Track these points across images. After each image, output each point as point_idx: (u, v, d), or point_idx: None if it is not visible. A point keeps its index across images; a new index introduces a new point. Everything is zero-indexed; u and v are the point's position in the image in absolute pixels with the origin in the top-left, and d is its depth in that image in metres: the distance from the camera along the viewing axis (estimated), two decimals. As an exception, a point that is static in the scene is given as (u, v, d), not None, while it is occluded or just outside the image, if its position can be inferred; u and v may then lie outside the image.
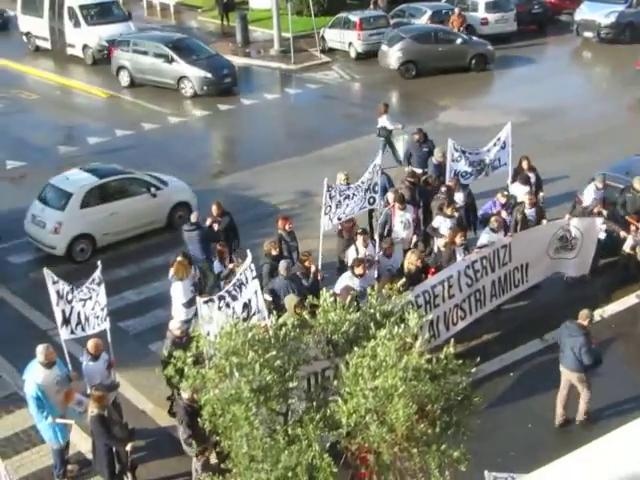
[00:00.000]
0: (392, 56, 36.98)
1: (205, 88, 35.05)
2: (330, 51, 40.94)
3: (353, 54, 39.98)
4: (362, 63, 39.14)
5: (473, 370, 10.96)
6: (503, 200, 19.21)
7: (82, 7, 41.34)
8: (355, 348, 10.71)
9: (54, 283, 14.57)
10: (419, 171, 22.16)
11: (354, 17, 40.30)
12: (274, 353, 10.56)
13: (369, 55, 39.22)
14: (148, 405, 16.14)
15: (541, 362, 16.74)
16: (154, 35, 40.42)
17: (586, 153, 25.56)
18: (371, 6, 44.41)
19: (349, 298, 11.50)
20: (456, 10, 40.91)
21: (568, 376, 14.93)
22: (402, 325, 10.91)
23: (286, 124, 32.98)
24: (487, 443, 13.30)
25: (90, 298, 14.66)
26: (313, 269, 16.89)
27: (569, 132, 28.36)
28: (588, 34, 41.13)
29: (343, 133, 30.00)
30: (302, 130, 31.07)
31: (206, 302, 13.63)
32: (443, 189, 19.81)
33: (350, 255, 17.62)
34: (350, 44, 40.00)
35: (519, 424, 14.97)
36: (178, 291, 16.60)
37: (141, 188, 22.85)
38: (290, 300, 15.24)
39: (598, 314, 18.01)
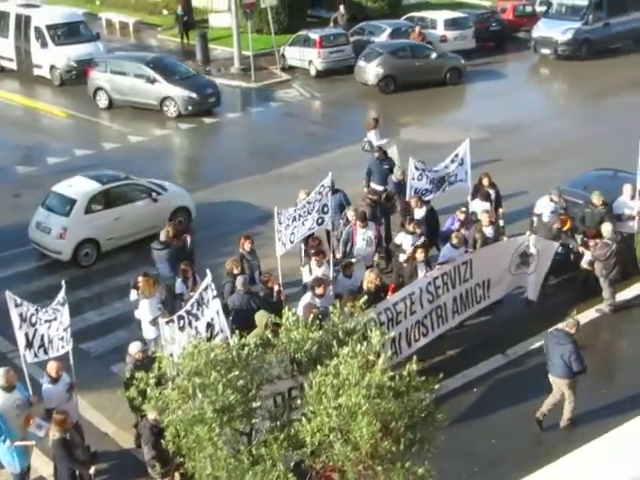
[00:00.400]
0: (370, 72, 37.22)
1: (190, 108, 34.49)
2: (290, 69, 41.00)
3: (313, 72, 40.09)
4: (322, 81, 39.26)
5: (436, 387, 10.98)
6: (462, 217, 19.35)
7: (49, 27, 40.39)
8: (318, 367, 10.71)
9: (17, 306, 14.43)
10: (380, 188, 22.24)
11: (314, 35, 40.44)
12: (237, 373, 10.54)
13: (329, 73, 39.38)
14: (110, 427, 16.02)
15: (504, 377, 16.85)
16: (132, 55, 39.77)
17: (545, 169, 25.77)
18: (331, 24, 44.55)
19: (311, 316, 11.51)
20: (417, 28, 41.21)
21: (558, 384, 15.13)
22: (365, 343, 10.92)
23: (247, 142, 32.97)
24: (451, 459, 13.33)
25: (55, 319, 14.58)
26: (276, 288, 16.88)
27: (528, 148, 28.58)
28: (545, 51, 41.60)
29: (304, 151, 30.05)
30: (263, 148, 31.08)
31: (167, 322, 13.59)
32: (403, 206, 19.95)
33: (304, 275, 17.65)
34: (310, 62, 40.11)
35: (483, 440, 15.02)
36: (144, 309, 16.52)
37: (142, 194, 23.33)
38: (261, 317, 15.22)
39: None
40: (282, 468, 9.92)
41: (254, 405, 10.67)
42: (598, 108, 33.44)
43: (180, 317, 13.71)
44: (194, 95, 34.59)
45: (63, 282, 14.72)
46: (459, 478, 13.90)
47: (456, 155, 21.11)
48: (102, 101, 36.36)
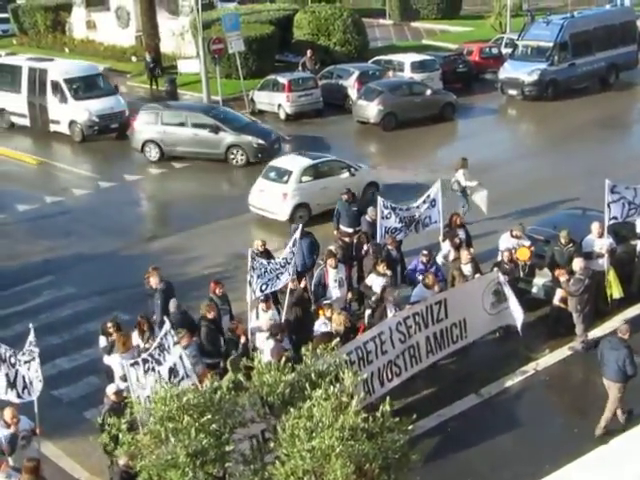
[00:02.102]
0: (372, 110, 37.65)
1: (259, 155, 33.32)
2: (260, 113, 41.12)
3: (282, 115, 40.27)
4: (291, 124, 39.40)
5: (410, 427, 10.99)
6: (424, 259, 19.46)
7: (67, 81, 38.65)
8: (291, 409, 10.70)
9: None
10: (349, 230, 22.30)
11: (283, 79, 40.66)
12: (210, 417, 10.53)
13: (298, 116, 39.56)
14: (84, 474, 15.85)
15: (478, 417, 16.81)
16: (187, 105, 39.15)
17: (514, 208, 25.92)
18: (299, 68, 44.83)
19: (283, 359, 11.49)
20: (390, 74, 41.88)
21: (611, 387, 15.88)
22: (337, 384, 10.92)
23: (218, 186, 32.99)
24: (426, 500, 13.29)
25: (33, 359, 14.52)
26: (243, 340, 16.76)
27: (497, 188, 28.61)
28: (512, 92, 42.01)
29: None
30: (233, 191, 31.11)
31: (132, 365, 13.53)
32: (372, 248, 20.02)
33: (252, 319, 17.61)
34: (279, 106, 40.30)
35: (458, 480, 14.98)
36: (116, 364, 16.27)
37: (343, 169, 27.81)
38: (232, 363, 15.19)
39: (532, 367, 18.23)
40: (256, 512, 9.86)
41: (227, 449, 10.62)
42: (565, 148, 33.72)
43: (144, 360, 13.65)
44: (262, 142, 33.83)
45: (31, 325, 14.68)
46: (435, 519, 13.86)
47: (428, 196, 21.27)
48: (152, 154, 34.87)
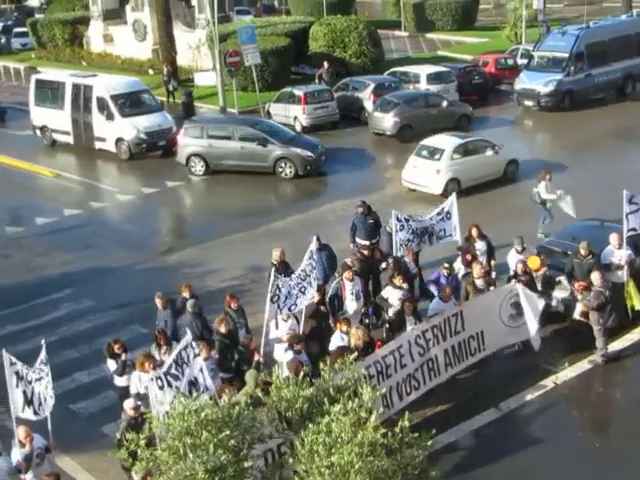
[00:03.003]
0: (388, 121, 37.73)
1: (308, 168, 33.50)
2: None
3: (299, 128, 40.24)
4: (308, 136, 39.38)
5: (429, 443, 10.92)
6: (445, 272, 19.40)
7: (114, 97, 37.94)
8: (310, 424, 10.65)
9: (12, 364, 14.41)
10: (366, 243, 22.23)
11: (299, 91, 40.69)
12: (228, 432, 10.49)
13: (314, 128, 39.56)
14: (102, 489, 15.85)
15: (497, 431, 16.70)
16: (233, 118, 38.77)
17: (533, 220, 25.80)
18: (316, 80, 44.89)
19: (301, 374, 11.44)
20: (410, 86, 42.03)
21: None
22: (356, 399, 10.88)
23: (235, 199, 33.03)
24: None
25: (42, 378, 14.53)
26: (256, 358, 16.66)
27: (515, 199, 28.69)
28: (529, 103, 41.94)
29: (291, 207, 30.16)
30: (251, 205, 31.11)
31: (151, 380, 13.50)
32: (390, 260, 19.97)
33: (271, 330, 17.58)
34: (295, 118, 40.31)
35: (477, 495, 14.89)
36: (134, 381, 16.26)
37: (488, 147, 31.00)
38: (251, 375, 15.15)
39: (552, 381, 18.13)
40: (275, 529, 9.82)
41: (246, 465, 10.58)
42: (582, 159, 33.59)
43: (158, 378, 13.60)
44: (310, 154, 33.76)
45: (43, 342, 14.73)
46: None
47: (442, 209, 21.24)
48: (198, 168, 34.65)
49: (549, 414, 17.08)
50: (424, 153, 30.76)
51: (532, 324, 18.36)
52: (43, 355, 14.55)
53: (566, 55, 41.84)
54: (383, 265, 20.35)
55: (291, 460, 10.84)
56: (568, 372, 18.48)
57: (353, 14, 64.63)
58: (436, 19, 66.40)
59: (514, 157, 31.82)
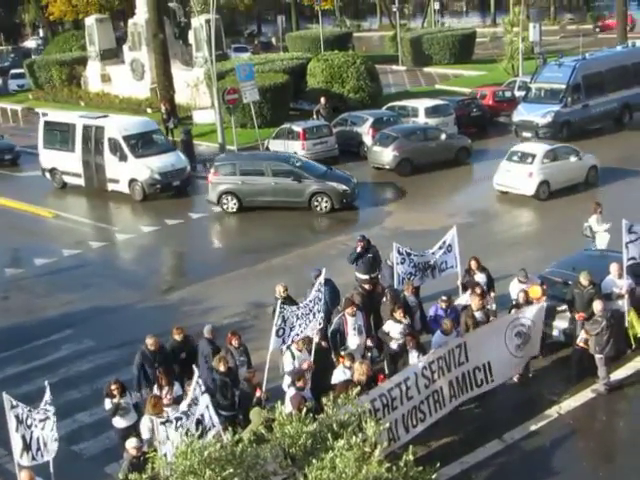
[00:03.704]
0: (387, 155, 37.85)
1: (344, 201, 33.52)
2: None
3: (298, 164, 40.37)
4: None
5: (433, 476, 10.88)
6: (443, 305, 19.36)
7: (126, 138, 37.46)
8: (314, 460, 10.61)
9: (13, 407, 14.35)
10: (365, 277, 22.18)
11: (297, 127, 40.85)
12: (232, 470, 10.45)
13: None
14: (106, 531, 15.76)
15: (502, 463, 16.63)
16: (263, 154, 38.51)
17: (532, 251, 25.89)
18: (314, 116, 45.07)
19: (304, 410, 11.41)
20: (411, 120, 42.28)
21: None
22: (360, 434, 10.84)
23: (234, 236, 33.09)
24: None
25: (48, 418, 14.47)
26: (258, 394, 16.55)
27: (514, 231, 28.76)
28: (527, 134, 42.05)
29: (292, 242, 30.14)
30: (251, 242, 31.16)
31: (163, 423, 13.45)
32: (389, 294, 19.97)
33: (286, 363, 17.53)
34: (295, 154, 40.41)
35: (484, 528, 14.80)
36: (144, 425, 16.16)
37: (572, 154, 33.49)
38: (255, 413, 15.11)
39: (555, 411, 18.07)
40: None
41: (250, 503, 10.54)
42: (581, 188, 33.68)
43: (178, 419, 13.56)
44: (346, 188, 33.72)
45: (46, 383, 14.73)
46: None
47: (444, 242, 21.26)
48: (230, 205, 34.20)
49: (553, 444, 17.00)
50: (515, 158, 33.46)
51: (537, 338, 18.71)
52: (48, 396, 14.54)
53: (563, 86, 42.09)
54: (384, 299, 20.32)
55: (295, 496, 10.80)
56: (572, 401, 18.43)
57: (350, 49, 65.18)
58: (433, 53, 66.86)
59: (595, 164, 34.16)
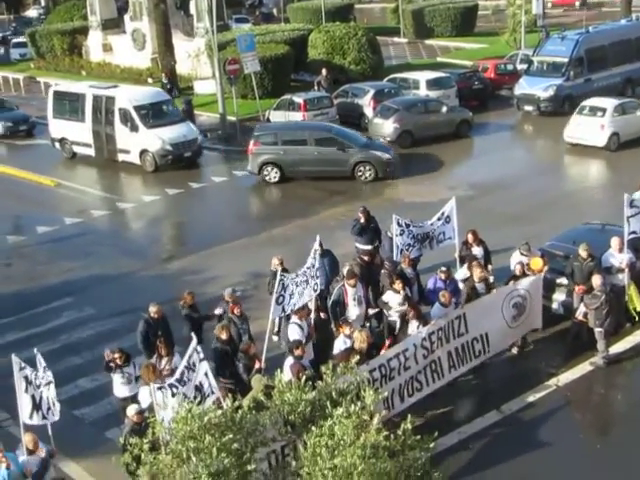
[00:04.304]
0: (388, 128, 37.79)
1: (387, 170, 33.45)
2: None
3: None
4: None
5: (432, 445, 10.96)
6: (443, 276, 19.37)
7: (137, 108, 37.19)
8: (312, 427, 10.68)
9: (21, 369, 14.45)
10: (367, 247, 22.27)
11: (298, 99, 40.74)
12: (231, 436, 10.52)
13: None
14: (106, 494, 15.86)
15: (499, 434, 16.73)
16: (304, 124, 37.56)
17: (532, 224, 25.87)
18: (315, 87, 44.93)
19: (303, 378, 11.48)
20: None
21: None
22: (358, 402, 10.92)
23: (235, 206, 33.09)
24: (449, 518, 13.23)
25: (51, 382, 14.56)
26: (257, 366, 16.61)
27: (514, 204, 28.74)
28: (528, 108, 42.02)
29: (292, 213, 30.17)
30: (251, 211, 31.21)
31: (159, 389, 13.54)
32: (388, 264, 20.03)
33: (291, 334, 17.61)
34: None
35: (480, 497, 14.92)
36: (144, 395, 16.22)
37: (639, 107, 36.09)
38: (256, 380, 15.19)
39: (553, 383, 18.17)
40: (279, 531, 9.85)
41: (249, 468, 10.62)
42: (583, 163, 33.71)
43: (171, 385, 13.64)
44: (390, 157, 33.75)
45: (35, 350, 14.85)
46: (458, 537, 13.80)
47: (442, 213, 21.30)
48: (272, 175, 33.88)
49: (551, 416, 17.10)
50: (586, 112, 35.57)
51: (538, 304, 18.85)
52: (42, 361, 14.59)
53: (566, 60, 41.93)
54: (383, 270, 20.37)
55: (294, 463, 10.88)
56: (570, 374, 18.53)
57: (352, 21, 64.82)
58: (435, 25, 66.53)
59: None
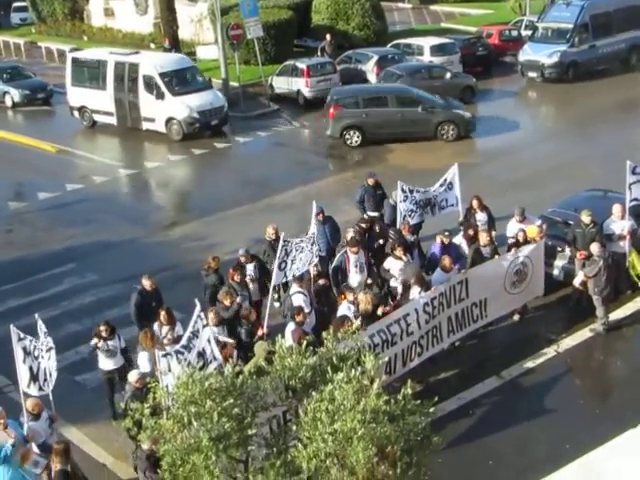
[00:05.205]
0: None
1: (469, 128, 33.68)
2: (278, 98, 41.15)
3: (301, 101, 40.26)
4: (311, 109, 39.36)
5: (432, 410, 11.00)
6: (446, 241, 19.35)
7: (163, 75, 36.34)
8: (313, 393, 10.72)
9: (20, 340, 14.48)
10: (375, 214, 22.28)
11: (301, 64, 40.62)
12: (232, 401, 10.56)
13: (317, 101, 39.48)
14: (108, 458, 15.93)
15: (499, 399, 16.82)
16: (386, 86, 36.91)
17: (535, 191, 25.83)
18: (318, 53, 44.79)
19: (304, 343, 11.51)
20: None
21: None
22: (359, 368, 10.95)
23: (237, 172, 33.04)
24: (449, 482, 13.32)
25: (52, 348, 14.61)
26: (260, 332, 16.71)
27: (518, 171, 28.69)
28: (533, 74, 41.85)
29: (294, 180, 30.13)
30: (253, 178, 31.15)
31: (164, 356, 13.58)
32: (392, 231, 20.03)
33: (296, 303, 17.63)
34: (298, 91, 40.29)
35: (480, 462, 14.96)
36: (143, 360, 16.27)
37: None
38: (259, 346, 15.24)
39: (553, 349, 18.23)
40: (279, 495, 9.92)
41: (250, 432, 10.67)
42: (586, 130, 33.59)
43: (177, 352, 13.68)
44: (471, 115, 33.96)
45: (37, 316, 14.87)
46: (457, 501, 13.90)
47: (444, 180, 21.27)
48: (354, 139, 33.58)
49: (550, 382, 17.17)
50: None
51: (540, 270, 18.87)
52: (43, 327, 14.62)
53: (570, 26, 41.70)
54: (381, 241, 20.31)
55: (295, 427, 10.93)
56: (569, 340, 18.60)
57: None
58: (440, -9, 66.16)
59: None
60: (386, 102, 34.00)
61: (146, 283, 18.13)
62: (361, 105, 34.04)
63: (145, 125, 37.04)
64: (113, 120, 37.96)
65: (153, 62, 37.32)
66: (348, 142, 33.65)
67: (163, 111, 36.25)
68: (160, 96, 36.17)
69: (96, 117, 38.58)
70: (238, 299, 17.39)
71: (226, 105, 37.46)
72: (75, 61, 39.65)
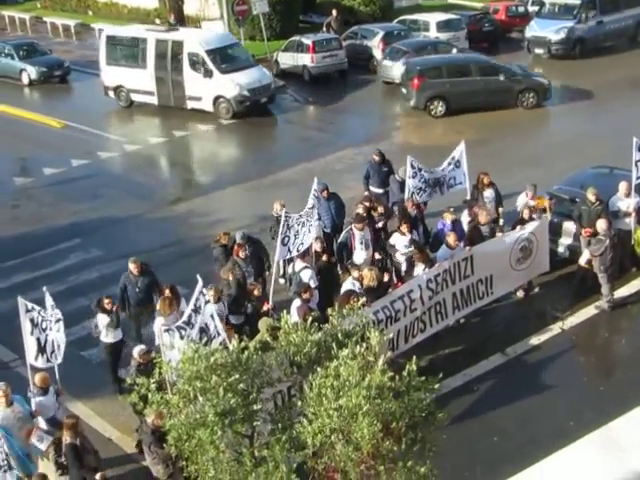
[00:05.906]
0: (397, 70, 37.20)
1: (547, 95, 34.10)
2: (284, 74, 41.04)
3: (307, 77, 40.16)
4: (316, 85, 39.28)
5: (436, 386, 11.02)
6: (450, 217, 19.31)
7: (209, 52, 35.33)
8: (318, 369, 10.74)
9: (28, 311, 14.49)
10: (380, 191, 22.26)
11: (307, 40, 40.48)
12: (237, 376, 10.57)
13: (323, 77, 39.42)
14: (114, 433, 16.02)
15: (504, 376, 16.86)
16: (465, 56, 37.32)
17: (541, 168, 25.78)
18: (324, 29, 44.61)
19: (310, 319, 11.51)
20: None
21: None
22: (364, 344, 10.96)
23: (243, 148, 33.03)
24: (453, 458, 13.35)
25: (60, 319, 14.62)
26: (265, 308, 16.76)
27: (524, 148, 28.64)
28: (539, 50, 41.69)
29: (299, 156, 30.10)
30: (259, 154, 31.12)
31: (167, 331, 13.62)
32: (396, 208, 20.01)
33: (304, 276, 17.64)
34: (304, 67, 40.18)
35: (485, 438, 15.02)
36: (157, 327, 16.27)
37: None
38: (263, 322, 15.28)
39: (558, 326, 18.25)
40: (285, 469, 9.95)
41: (255, 408, 10.70)
42: (593, 107, 33.51)
43: (179, 327, 13.72)
44: (549, 82, 34.13)
45: (44, 289, 14.88)
46: (461, 477, 13.93)
47: (452, 158, 21.20)
48: (438, 110, 33.62)
49: (555, 359, 17.21)
50: None
51: (545, 247, 18.94)
52: (51, 300, 14.64)
53: (578, 2, 41.54)
54: (380, 224, 20.25)
55: (300, 403, 10.96)
56: (575, 318, 18.63)
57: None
58: (446, -35, 65.73)
59: None
60: (469, 71, 34.20)
61: (131, 266, 17.88)
62: (445, 75, 34.11)
63: (190, 104, 35.90)
64: (154, 100, 36.78)
65: (198, 39, 36.38)
66: (432, 112, 33.74)
67: (211, 89, 35.24)
68: (208, 74, 35.16)
69: (134, 97, 37.25)
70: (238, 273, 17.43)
71: (273, 82, 36.81)
72: (110, 39, 38.20)
